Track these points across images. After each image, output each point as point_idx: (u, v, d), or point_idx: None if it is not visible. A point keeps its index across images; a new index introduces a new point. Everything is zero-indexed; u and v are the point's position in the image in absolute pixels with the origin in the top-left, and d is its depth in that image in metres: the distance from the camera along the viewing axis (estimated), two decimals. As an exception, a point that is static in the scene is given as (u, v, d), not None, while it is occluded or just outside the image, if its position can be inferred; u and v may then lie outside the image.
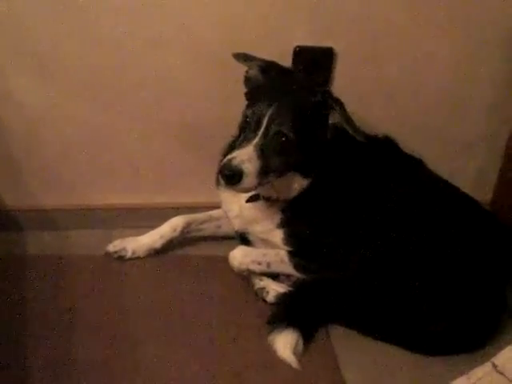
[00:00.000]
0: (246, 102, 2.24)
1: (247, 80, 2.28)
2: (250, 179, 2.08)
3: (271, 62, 2.26)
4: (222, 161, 2.32)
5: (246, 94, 2.28)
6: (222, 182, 2.13)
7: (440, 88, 2.70)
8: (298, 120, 2.12)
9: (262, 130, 2.10)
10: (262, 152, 2.09)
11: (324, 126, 2.20)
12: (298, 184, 2.28)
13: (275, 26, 2.45)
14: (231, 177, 2.06)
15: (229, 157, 2.08)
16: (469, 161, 2.88)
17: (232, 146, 2.29)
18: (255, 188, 2.16)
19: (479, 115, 2.79)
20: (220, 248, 2.48)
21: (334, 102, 2.17)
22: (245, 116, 2.17)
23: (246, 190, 2.17)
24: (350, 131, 2.13)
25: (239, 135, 2.23)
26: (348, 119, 2.13)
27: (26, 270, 2.41)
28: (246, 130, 2.15)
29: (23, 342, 2.11)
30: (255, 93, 2.23)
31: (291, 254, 2.39)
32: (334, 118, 2.17)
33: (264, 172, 2.10)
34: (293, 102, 2.14)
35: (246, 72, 2.27)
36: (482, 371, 1.52)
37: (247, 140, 2.11)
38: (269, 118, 2.10)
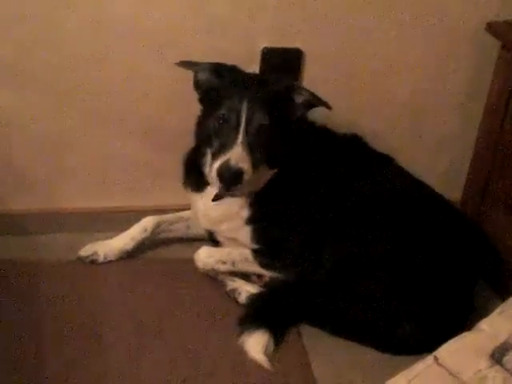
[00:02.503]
0: (201, 111, 2.28)
1: (197, 84, 2.26)
2: (249, 176, 2.09)
3: (217, 62, 2.25)
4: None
5: (202, 100, 2.28)
6: (220, 188, 2.13)
7: (410, 88, 2.70)
8: (271, 108, 2.14)
9: (243, 126, 2.10)
10: (248, 147, 2.10)
11: (292, 107, 2.22)
12: (264, 175, 2.28)
13: (243, 28, 2.45)
14: (233, 178, 2.07)
15: (223, 160, 2.08)
16: (438, 160, 2.89)
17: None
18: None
19: (448, 114, 2.80)
20: (191, 250, 2.46)
21: (294, 82, 2.24)
22: (220, 115, 2.14)
23: (244, 190, 2.18)
24: (318, 103, 2.19)
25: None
26: (313, 93, 2.18)
27: (-5, 276, 2.41)
28: (222, 129, 2.14)
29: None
30: (214, 95, 2.21)
31: (255, 251, 2.40)
32: (299, 97, 2.21)
33: (254, 167, 2.12)
34: (261, 93, 2.16)
35: (195, 77, 2.26)
36: (424, 364, 1.54)
37: (230, 139, 2.11)
38: (246, 113, 2.11)
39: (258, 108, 2.12)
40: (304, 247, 2.34)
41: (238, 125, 2.11)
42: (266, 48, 2.49)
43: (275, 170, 2.29)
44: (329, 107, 2.19)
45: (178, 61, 2.21)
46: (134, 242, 2.52)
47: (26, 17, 2.27)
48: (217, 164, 2.09)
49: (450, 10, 2.57)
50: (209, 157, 2.24)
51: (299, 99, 2.21)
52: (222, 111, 2.14)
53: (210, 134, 2.20)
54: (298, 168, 2.33)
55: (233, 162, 2.06)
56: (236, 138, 2.10)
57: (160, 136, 2.59)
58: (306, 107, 2.23)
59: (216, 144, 2.17)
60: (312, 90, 2.22)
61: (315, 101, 2.20)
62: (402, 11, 2.54)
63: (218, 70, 2.23)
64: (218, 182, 2.10)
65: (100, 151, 2.59)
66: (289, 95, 2.21)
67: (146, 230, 2.52)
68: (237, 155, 2.07)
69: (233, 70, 2.26)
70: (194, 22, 2.40)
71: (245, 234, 2.39)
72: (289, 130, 2.23)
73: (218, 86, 2.22)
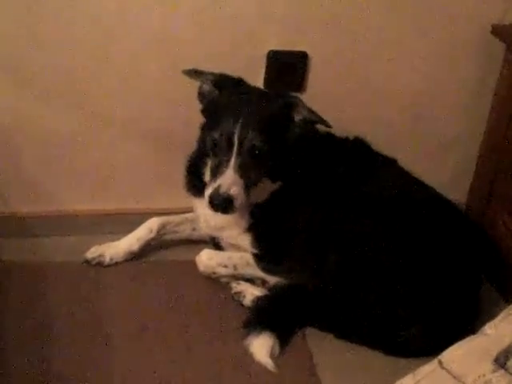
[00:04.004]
0: (204, 120, 2.28)
1: (201, 96, 2.27)
2: (240, 201, 2.11)
3: (222, 74, 2.25)
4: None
5: (203, 112, 2.28)
6: (213, 209, 2.14)
7: (414, 90, 2.71)
8: (266, 128, 2.13)
9: (235, 148, 2.10)
10: (241, 170, 2.10)
11: (290, 125, 2.20)
12: (267, 188, 2.30)
13: (249, 31, 2.46)
14: (223, 205, 2.09)
15: (214, 186, 2.10)
16: (444, 162, 2.90)
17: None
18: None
19: (454, 117, 2.81)
20: (196, 252, 2.45)
21: (294, 99, 2.20)
22: (212, 139, 2.15)
23: (238, 211, 2.19)
24: (317, 120, 2.16)
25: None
26: (311, 110, 2.16)
27: (2, 278, 2.40)
28: (216, 151, 2.16)
29: (0, 350, 2.11)
30: (213, 109, 2.22)
31: (257, 256, 2.40)
32: (298, 115, 2.19)
33: (247, 187, 2.13)
34: (256, 112, 2.15)
35: (199, 88, 2.26)
36: (428, 368, 1.55)
37: (223, 163, 2.12)
38: (239, 136, 2.10)
39: (252, 131, 2.10)
40: (307, 252, 2.34)
41: (231, 149, 2.11)
42: (272, 51, 2.50)
43: (279, 183, 2.31)
44: (328, 126, 2.17)
45: (184, 69, 2.21)
46: (139, 243, 2.53)
47: (35, 20, 2.29)
48: (208, 191, 2.12)
49: (455, 12, 2.57)
50: (207, 168, 2.26)
51: (298, 117, 2.19)
52: (216, 134, 2.14)
53: (207, 149, 2.22)
54: (300, 174, 2.32)
55: (223, 190, 2.08)
56: (228, 161, 2.11)
57: (165, 139, 2.60)
58: (305, 125, 2.20)
59: (211, 163, 2.19)
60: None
61: (314, 119, 2.17)
62: (407, 14, 2.54)
63: (221, 83, 2.23)
64: (210, 208, 2.13)
65: (106, 154, 2.60)
66: (288, 113, 2.19)
67: (151, 231, 2.53)
68: (228, 181, 2.09)
69: (235, 85, 2.26)
70: (201, 26, 2.41)
71: (246, 240, 2.40)
72: (288, 147, 2.22)
73: (218, 100, 2.23)
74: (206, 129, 2.26)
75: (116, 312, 2.32)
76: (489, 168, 2.68)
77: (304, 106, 2.17)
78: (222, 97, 2.22)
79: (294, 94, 2.27)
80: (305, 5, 2.45)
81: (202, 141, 2.31)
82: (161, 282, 2.47)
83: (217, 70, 2.25)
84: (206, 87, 2.25)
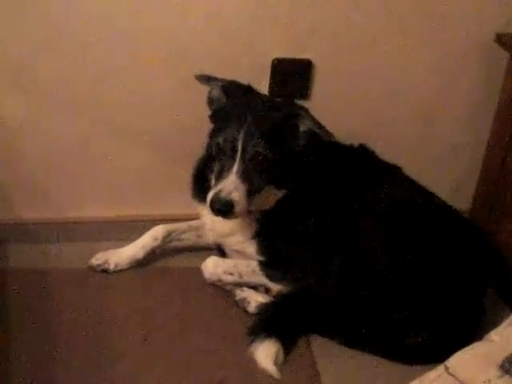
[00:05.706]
0: (212, 126, 2.29)
1: (210, 101, 2.30)
2: (240, 206, 2.12)
3: (232, 81, 2.27)
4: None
5: (211, 117, 2.30)
6: (213, 213, 2.15)
7: (418, 98, 2.72)
8: (270, 136, 2.14)
9: (239, 154, 2.12)
10: (244, 176, 2.12)
11: (295, 135, 2.21)
12: (273, 196, 2.31)
13: (254, 39, 2.47)
14: (223, 210, 2.11)
15: (215, 191, 2.12)
16: (447, 171, 2.90)
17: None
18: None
19: (457, 125, 2.81)
20: (201, 259, 2.46)
21: (300, 110, 2.21)
22: (217, 144, 2.18)
23: (239, 216, 2.20)
24: (321, 134, 2.16)
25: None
26: (317, 122, 2.16)
27: (7, 284, 2.41)
28: (220, 157, 2.18)
29: (4, 356, 2.12)
30: (220, 115, 2.25)
31: (262, 264, 2.40)
32: (303, 126, 2.19)
33: (250, 193, 2.14)
34: (261, 119, 2.16)
35: (209, 93, 2.29)
36: (435, 374, 1.55)
37: (226, 168, 2.14)
38: (243, 142, 2.12)
39: (256, 137, 2.12)
40: (312, 259, 2.35)
41: (234, 154, 2.13)
42: (276, 59, 2.51)
43: (284, 191, 2.31)
44: (333, 140, 2.19)
45: (196, 74, 2.23)
46: (144, 250, 2.53)
47: (41, 26, 2.30)
48: (210, 195, 2.13)
49: (459, 21, 2.58)
50: (213, 175, 2.26)
51: (303, 128, 2.20)
52: (221, 138, 2.16)
53: (213, 155, 2.23)
54: (306, 182, 2.33)
55: (223, 194, 2.09)
56: (231, 167, 2.13)
57: (171, 146, 2.61)
58: (309, 136, 2.21)
59: (216, 168, 2.21)
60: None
61: (319, 131, 2.17)
62: (412, 23, 2.55)
63: (229, 89, 2.25)
64: (211, 212, 2.15)
65: (111, 161, 2.61)
66: (293, 122, 2.20)
67: (156, 239, 2.53)
68: (229, 186, 2.10)
69: (243, 92, 2.27)
70: (206, 34, 2.42)
71: (251, 247, 2.41)
72: (293, 155, 2.23)
73: (225, 106, 2.25)
74: (212, 134, 2.28)
75: (120, 319, 2.32)
76: (492, 176, 2.68)
77: (310, 117, 2.18)
78: (229, 103, 2.24)
79: (301, 104, 2.28)
80: (309, 13, 2.46)
81: (208, 147, 2.33)
82: (166, 289, 2.47)
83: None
84: (215, 93, 2.27)
